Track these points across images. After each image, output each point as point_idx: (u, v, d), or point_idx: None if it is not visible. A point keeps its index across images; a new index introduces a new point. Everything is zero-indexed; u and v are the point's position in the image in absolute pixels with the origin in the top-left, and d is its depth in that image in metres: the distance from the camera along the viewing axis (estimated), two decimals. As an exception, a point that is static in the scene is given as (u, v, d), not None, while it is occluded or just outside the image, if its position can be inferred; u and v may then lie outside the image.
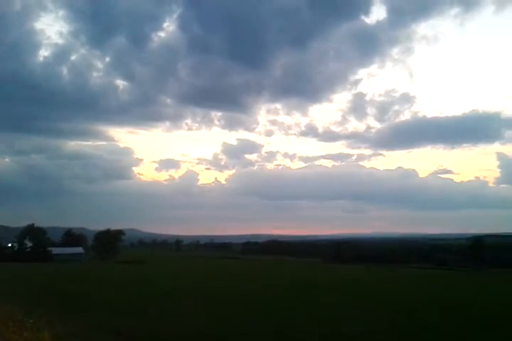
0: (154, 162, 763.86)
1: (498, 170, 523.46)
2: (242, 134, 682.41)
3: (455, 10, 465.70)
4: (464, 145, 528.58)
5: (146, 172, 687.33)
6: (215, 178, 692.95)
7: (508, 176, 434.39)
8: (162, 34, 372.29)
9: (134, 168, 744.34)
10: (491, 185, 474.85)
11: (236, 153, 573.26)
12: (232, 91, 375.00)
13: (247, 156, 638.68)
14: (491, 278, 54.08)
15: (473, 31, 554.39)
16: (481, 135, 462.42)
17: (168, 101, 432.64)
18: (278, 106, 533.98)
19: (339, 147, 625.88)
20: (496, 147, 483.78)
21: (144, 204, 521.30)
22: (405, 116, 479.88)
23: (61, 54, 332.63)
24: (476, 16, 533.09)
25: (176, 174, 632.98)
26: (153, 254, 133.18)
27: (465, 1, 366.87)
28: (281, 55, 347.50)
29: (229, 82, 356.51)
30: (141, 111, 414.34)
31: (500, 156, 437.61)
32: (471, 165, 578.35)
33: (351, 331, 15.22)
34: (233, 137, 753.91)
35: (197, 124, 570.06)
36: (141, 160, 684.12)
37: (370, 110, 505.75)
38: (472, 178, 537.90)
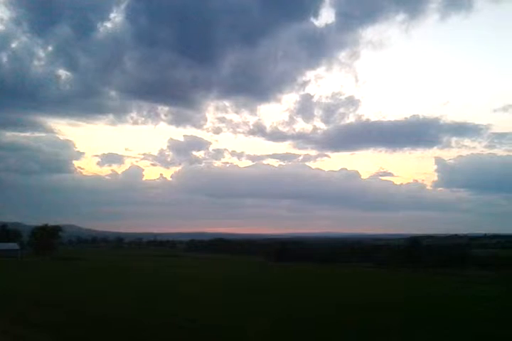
0: (96, 156, 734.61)
1: (436, 173, 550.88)
2: (189, 130, 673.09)
3: (401, 16, 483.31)
4: (405, 149, 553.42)
5: (88, 167, 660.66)
6: (161, 174, 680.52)
7: (444, 180, 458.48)
8: (108, 25, 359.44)
9: (74, 162, 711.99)
10: (428, 188, 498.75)
11: (183, 149, 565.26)
12: (180, 86, 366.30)
13: (194, 153, 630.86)
14: (423, 276, 56.29)
15: (418, 38, 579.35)
16: (421, 140, 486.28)
17: (113, 93, 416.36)
18: (227, 103, 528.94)
19: (286, 147, 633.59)
20: (435, 151, 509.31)
21: (84, 200, 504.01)
22: (350, 119, 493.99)
23: (1, 41, 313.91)
24: (421, 23, 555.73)
25: (119, 169, 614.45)
26: (92, 252, 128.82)
27: (411, 8, 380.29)
28: (231, 52, 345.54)
29: (177, 76, 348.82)
30: (83, 102, 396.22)
31: (438, 161, 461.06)
32: (411, 168, 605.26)
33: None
34: (180, 133, 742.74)
35: (143, 118, 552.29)
36: (83, 153, 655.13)
37: (317, 112, 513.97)
38: (411, 181, 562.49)
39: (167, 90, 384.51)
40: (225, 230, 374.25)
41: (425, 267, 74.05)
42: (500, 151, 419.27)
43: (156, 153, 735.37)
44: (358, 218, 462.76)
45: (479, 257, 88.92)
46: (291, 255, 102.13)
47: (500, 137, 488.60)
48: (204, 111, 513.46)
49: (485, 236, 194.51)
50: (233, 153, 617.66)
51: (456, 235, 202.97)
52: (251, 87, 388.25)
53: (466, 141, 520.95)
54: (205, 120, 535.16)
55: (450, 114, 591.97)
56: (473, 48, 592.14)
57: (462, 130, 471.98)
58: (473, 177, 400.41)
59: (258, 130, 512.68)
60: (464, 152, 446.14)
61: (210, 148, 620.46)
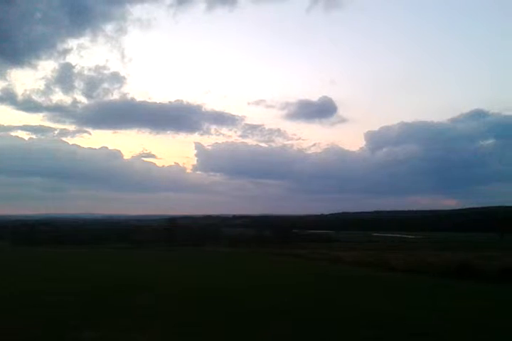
0: None
1: (196, 158, 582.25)
2: None
3: (169, 0, 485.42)
4: (168, 132, 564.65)
5: None
6: None
7: (202, 164, 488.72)
8: None
9: None
10: (188, 171, 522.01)
11: None
12: None
13: None
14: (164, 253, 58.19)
15: (185, 24, 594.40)
16: (184, 124, 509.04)
17: None
18: None
19: (41, 119, 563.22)
20: (196, 137, 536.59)
21: None
22: (114, 95, 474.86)
23: None
24: (189, 10, 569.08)
25: None
26: None
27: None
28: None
29: None
30: None
31: (198, 146, 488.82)
32: (173, 151, 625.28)
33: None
34: None
35: None
36: None
37: (78, 84, 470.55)
38: (172, 164, 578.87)
39: None
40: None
41: (181, 245, 77.27)
42: (251, 141, 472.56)
43: None
44: (118, 199, 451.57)
45: (228, 235, 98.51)
46: (43, 238, 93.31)
47: (252, 128, 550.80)
48: None
49: (234, 217, 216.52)
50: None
51: (209, 216, 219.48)
52: (1, 47, 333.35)
53: (224, 130, 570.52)
54: None
55: (211, 103, 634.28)
56: (235, 41, 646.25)
57: (221, 119, 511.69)
58: (227, 163, 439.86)
59: (7, 97, 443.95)
60: (221, 139, 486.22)
61: None
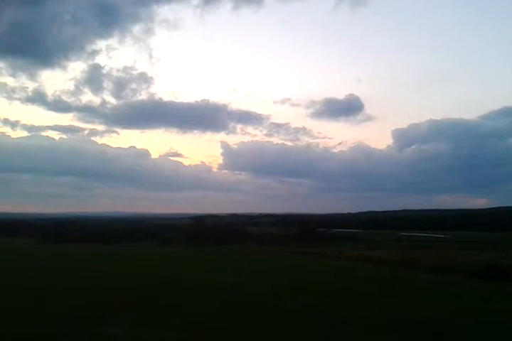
0: None
1: (221, 157, 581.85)
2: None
3: (196, 0, 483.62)
4: (195, 131, 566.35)
5: None
6: None
7: (228, 163, 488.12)
8: None
9: None
10: (214, 170, 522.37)
11: None
12: None
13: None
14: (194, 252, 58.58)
15: (212, 24, 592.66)
16: (210, 124, 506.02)
17: None
18: (1, 65, 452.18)
19: (70, 119, 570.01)
20: (221, 136, 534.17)
21: None
22: (142, 95, 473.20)
23: None
24: (215, 10, 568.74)
25: None
26: None
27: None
28: (10, 9, 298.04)
29: None
30: None
31: (224, 145, 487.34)
32: (199, 150, 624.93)
33: None
34: None
35: None
36: None
37: (107, 84, 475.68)
38: (199, 163, 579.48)
39: None
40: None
41: (207, 243, 77.74)
42: (276, 140, 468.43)
43: None
44: (146, 197, 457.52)
45: (254, 234, 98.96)
46: (71, 236, 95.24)
47: (278, 127, 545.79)
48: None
49: (260, 216, 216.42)
50: (6, 122, 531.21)
51: (235, 214, 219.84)
52: (32, 49, 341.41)
53: (250, 129, 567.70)
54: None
55: (237, 102, 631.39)
56: (261, 41, 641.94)
57: (246, 118, 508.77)
58: (253, 161, 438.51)
59: (38, 98, 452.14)
60: (247, 138, 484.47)
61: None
